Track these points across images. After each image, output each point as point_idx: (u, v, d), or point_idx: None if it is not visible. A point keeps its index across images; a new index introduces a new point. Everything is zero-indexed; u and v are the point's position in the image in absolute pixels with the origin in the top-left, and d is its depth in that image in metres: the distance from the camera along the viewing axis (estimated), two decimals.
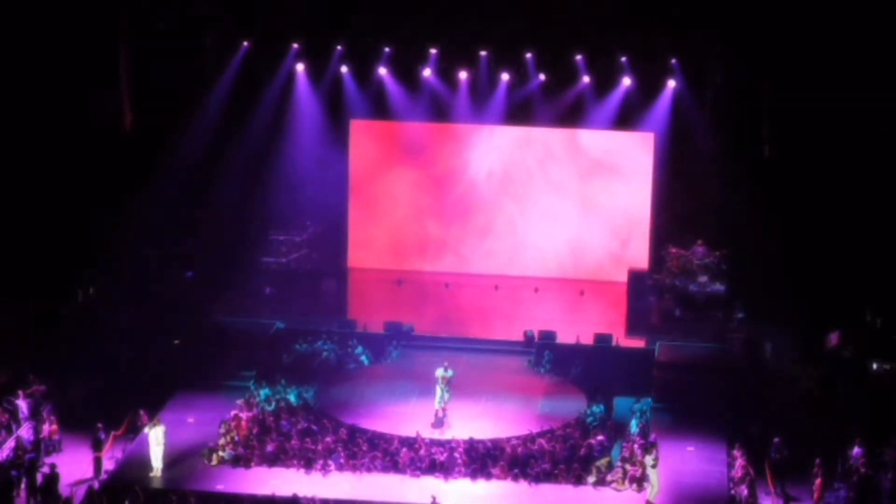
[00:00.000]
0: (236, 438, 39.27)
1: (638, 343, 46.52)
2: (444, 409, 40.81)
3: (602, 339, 45.94)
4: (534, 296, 50.63)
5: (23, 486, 37.27)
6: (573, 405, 42.43)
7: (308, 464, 38.51)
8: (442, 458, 38.57)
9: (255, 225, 50.97)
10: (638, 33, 48.38)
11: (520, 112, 51.17)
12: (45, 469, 37.32)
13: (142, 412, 40.18)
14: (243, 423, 39.88)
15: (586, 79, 50.18)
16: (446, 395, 40.91)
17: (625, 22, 48.24)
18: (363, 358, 45.96)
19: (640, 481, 37.63)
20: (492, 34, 49.68)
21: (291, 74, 51.44)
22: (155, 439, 38.16)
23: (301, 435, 39.76)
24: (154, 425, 38.36)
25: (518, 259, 52.43)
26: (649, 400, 42.86)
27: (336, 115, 52.08)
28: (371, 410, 41.80)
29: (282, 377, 43.69)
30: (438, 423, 40.56)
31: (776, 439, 39.10)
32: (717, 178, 48.95)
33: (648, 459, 37.24)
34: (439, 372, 41.03)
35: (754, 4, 46.75)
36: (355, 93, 51.49)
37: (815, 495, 37.53)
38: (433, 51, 50.34)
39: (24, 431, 39.90)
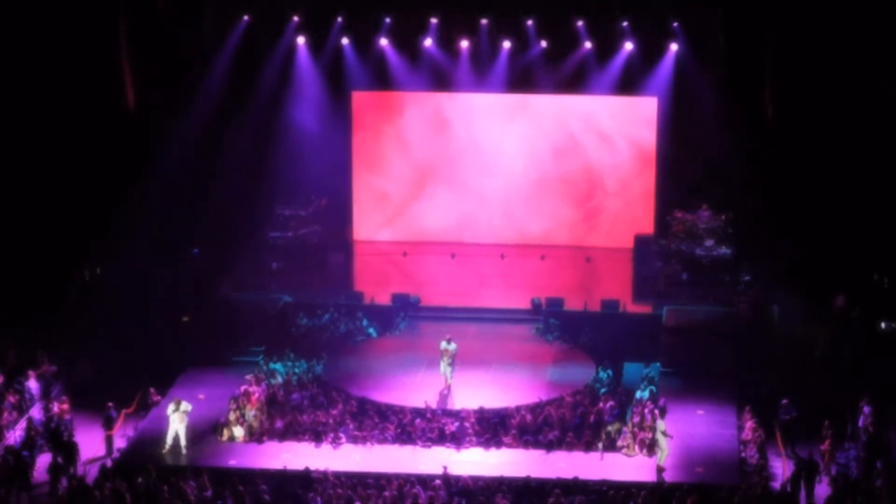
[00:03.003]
0: (250, 414, 39.36)
1: (645, 308, 46.56)
2: (448, 387, 40.87)
3: (609, 306, 45.99)
4: (540, 263, 50.64)
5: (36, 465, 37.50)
6: (582, 372, 42.54)
7: (319, 437, 38.64)
8: (452, 428, 38.68)
9: (261, 200, 50.91)
10: None
11: (521, 80, 50.99)
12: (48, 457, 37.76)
13: (151, 390, 40.31)
14: (253, 398, 39.97)
15: (588, 44, 50.01)
16: (449, 372, 40.94)
17: None
18: (371, 330, 46.05)
19: (650, 446, 37.72)
20: (492, 2, 49.56)
21: (292, 47, 51.29)
22: (179, 418, 38.21)
23: (311, 408, 39.88)
24: (177, 407, 38.32)
25: (523, 227, 52.37)
26: (657, 365, 42.97)
27: (337, 87, 51.95)
28: (380, 382, 41.90)
29: (290, 351, 43.82)
30: (442, 400, 40.59)
31: (785, 401, 39.23)
32: (720, 140, 48.81)
33: (660, 424, 37.32)
34: (442, 345, 41.10)
35: None
36: (356, 64, 51.35)
37: (825, 456, 37.65)
38: (433, 20, 50.18)
39: (35, 412, 40.03)
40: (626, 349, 43.56)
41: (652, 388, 41.02)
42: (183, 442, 38.20)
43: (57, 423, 39.05)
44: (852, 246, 46.04)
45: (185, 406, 38.33)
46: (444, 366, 40.99)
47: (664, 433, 37.10)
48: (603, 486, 35.33)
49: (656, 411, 38.23)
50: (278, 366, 42.78)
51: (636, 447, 37.96)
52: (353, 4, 50.11)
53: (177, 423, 38.24)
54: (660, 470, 36.82)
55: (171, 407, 38.51)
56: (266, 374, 42.08)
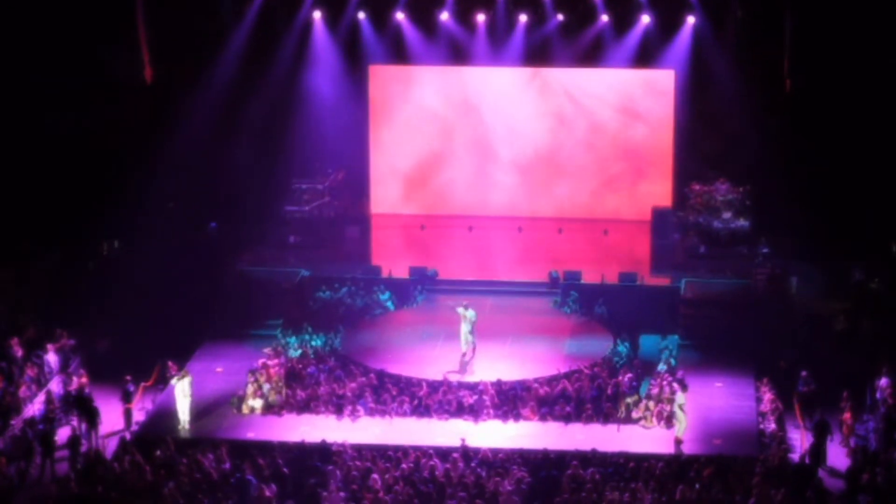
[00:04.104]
0: (265, 387, 39.43)
1: (663, 281, 46.50)
2: (471, 352, 40.89)
3: (627, 278, 45.94)
4: (558, 236, 50.54)
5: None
6: (599, 344, 42.56)
7: (337, 410, 38.72)
8: (470, 400, 38.70)
9: (278, 174, 50.92)
10: None
11: (538, 53, 50.88)
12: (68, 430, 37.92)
13: (170, 363, 40.38)
14: (271, 371, 40.03)
15: (605, 17, 49.88)
16: (471, 338, 40.92)
17: None
18: (389, 303, 46.07)
19: (668, 418, 37.72)
20: None
21: (308, 22, 51.25)
22: (182, 391, 38.33)
23: (329, 381, 39.94)
24: (181, 377, 38.51)
25: (541, 200, 52.27)
26: (676, 337, 42.98)
27: (354, 61, 51.88)
28: (398, 355, 41.94)
29: (308, 324, 43.88)
30: (462, 367, 40.66)
31: (803, 373, 39.20)
32: (738, 113, 48.69)
33: (680, 396, 37.30)
34: (459, 311, 41.04)
35: None
36: (373, 38, 51.28)
37: (844, 428, 37.63)
38: None
39: (54, 385, 40.14)
40: (645, 322, 43.54)
41: (672, 360, 41.00)
42: (186, 416, 38.28)
43: (80, 391, 39.13)
44: (871, 218, 45.93)
45: (188, 378, 38.40)
46: (464, 332, 40.94)
47: (681, 406, 37.09)
48: (621, 458, 35.34)
49: (674, 384, 38.24)
50: (293, 339, 42.85)
51: (654, 419, 37.96)
52: None
53: (180, 396, 38.34)
54: (678, 442, 36.81)
55: (174, 378, 38.70)
56: (284, 348, 42.16)
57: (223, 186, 50.34)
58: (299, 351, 42.09)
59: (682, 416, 37.09)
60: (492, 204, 52.31)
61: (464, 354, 40.84)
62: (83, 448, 37.17)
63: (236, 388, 39.91)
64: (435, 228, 51.48)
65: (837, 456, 36.85)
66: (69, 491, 33.94)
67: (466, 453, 35.62)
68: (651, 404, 38.26)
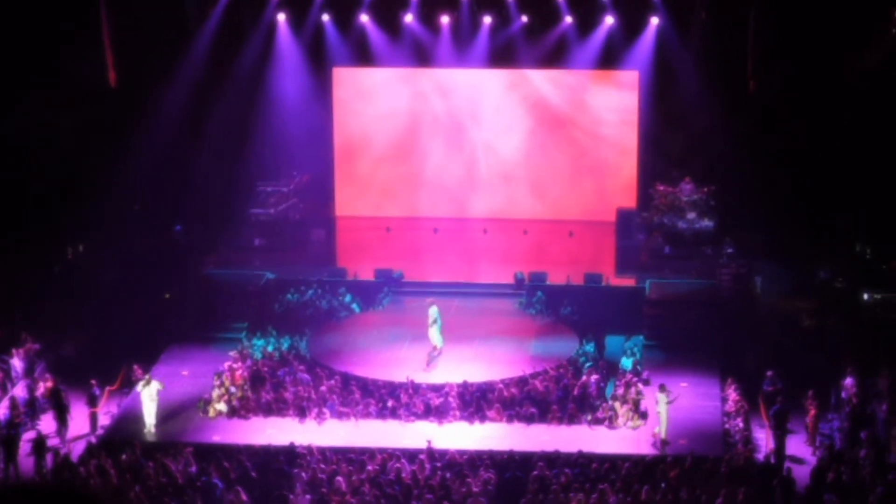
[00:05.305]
0: (231, 390, 39.35)
1: (628, 281, 46.61)
2: (436, 350, 40.93)
3: (592, 279, 46.03)
4: (523, 238, 50.55)
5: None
6: (565, 345, 42.61)
7: (303, 413, 38.65)
8: (436, 402, 38.70)
9: (243, 176, 50.80)
10: None
11: (503, 55, 50.83)
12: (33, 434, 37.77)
13: (136, 367, 40.27)
14: (237, 374, 39.95)
15: (569, 19, 49.93)
16: (435, 332, 40.96)
17: None
18: (354, 306, 46.04)
19: (635, 419, 37.80)
20: None
21: (273, 24, 51.17)
22: (148, 396, 38.21)
23: (295, 384, 39.87)
24: (147, 383, 38.38)
25: (506, 202, 52.26)
26: (641, 338, 43.05)
27: (318, 63, 51.78)
28: (364, 357, 41.90)
29: (273, 327, 43.80)
30: (431, 360, 40.72)
31: (769, 372, 39.31)
32: (703, 114, 48.74)
33: (662, 397, 37.34)
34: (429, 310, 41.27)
35: None
36: (337, 40, 51.22)
37: (810, 427, 37.78)
38: None
39: (19, 390, 39.95)
40: (610, 322, 43.63)
41: (637, 360, 41.09)
42: (153, 420, 38.17)
43: (53, 389, 38.99)
44: (835, 217, 46.13)
45: (156, 384, 38.29)
46: (430, 329, 41.02)
47: (669, 403, 37.16)
48: (587, 458, 35.37)
49: (640, 384, 38.35)
50: (259, 342, 42.80)
51: (620, 420, 38.03)
52: None
53: (147, 400, 38.25)
54: (663, 443, 36.85)
55: (140, 384, 38.58)
56: (250, 351, 42.08)
57: (188, 189, 50.16)
58: (266, 355, 41.97)
59: (665, 416, 37.16)
60: (457, 206, 52.17)
61: (432, 349, 40.90)
62: (54, 443, 37.11)
63: (202, 391, 39.82)
64: (400, 231, 51.41)
65: (803, 455, 37.01)
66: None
67: (433, 455, 35.61)
68: (617, 405, 38.34)
